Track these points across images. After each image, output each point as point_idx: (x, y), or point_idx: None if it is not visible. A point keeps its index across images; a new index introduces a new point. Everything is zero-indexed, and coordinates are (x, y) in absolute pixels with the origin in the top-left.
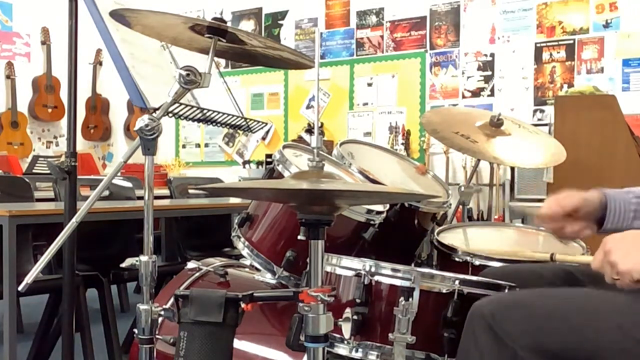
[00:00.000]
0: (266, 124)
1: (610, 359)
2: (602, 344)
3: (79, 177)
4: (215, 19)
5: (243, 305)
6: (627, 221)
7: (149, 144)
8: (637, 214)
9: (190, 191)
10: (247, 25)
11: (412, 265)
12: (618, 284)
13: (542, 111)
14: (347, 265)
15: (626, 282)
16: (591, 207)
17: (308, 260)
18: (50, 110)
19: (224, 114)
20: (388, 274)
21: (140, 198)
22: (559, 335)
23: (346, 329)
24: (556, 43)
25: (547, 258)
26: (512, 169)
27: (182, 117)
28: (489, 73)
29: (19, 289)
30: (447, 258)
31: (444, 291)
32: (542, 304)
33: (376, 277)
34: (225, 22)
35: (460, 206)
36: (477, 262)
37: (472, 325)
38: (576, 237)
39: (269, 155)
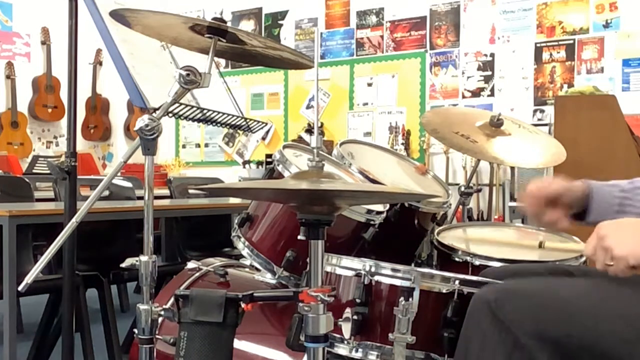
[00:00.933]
0: (266, 124)
1: (611, 348)
2: (604, 333)
3: (79, 177)
4: (215, 19)
5: (243, 305)
6: (610, 214)
7: (149, 144)
8: (621, 208)
9: (190, 191)
10: (247, 25)
11: (412, 265)
12: (611, 271)
13: (542, 111)
14: (347, 265)
15: (620, 268)
16: (573, 196)
17: (308, 260)
18: (50, 110)
19: (224, 114)
20: (388, 274)
21: (140, 198)
22: (562, 323)
23: (346, 329)
24: (556, 43)
25: (535, 245)
26: (512, 169)
27: (182, 117)
28: (489, 73)
29: (19, 289)
30: (447, 258)
31: (444, 291)
32: (546, 292)
33: (376, 277)
34: (225, 22)
35: (460, 206)
36: (477, 262)
37: (475, 311)
38: (554, 225)
39: (269, 155)
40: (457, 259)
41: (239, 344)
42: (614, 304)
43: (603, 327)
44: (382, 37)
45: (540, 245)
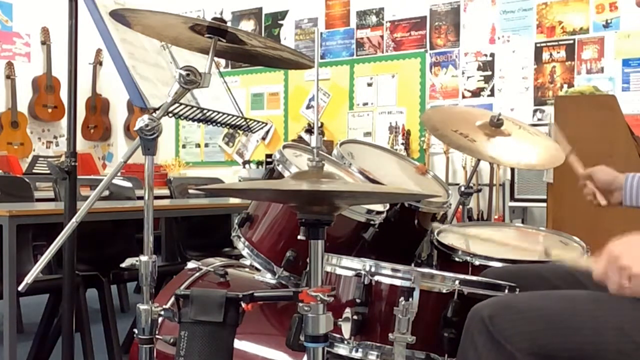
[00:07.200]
0: (266, 124)
1: None
2: (601, 346)
3: (79, 177)
4: (215, 19)
5: (243, 305)
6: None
7: (149, 144)
8: None
9: (190, 191)
10: (247, 25)
11: (412, 265)
12: (627, 292)
13: (542, 111)
14: (347, 265)
15: (639, 288)
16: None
17: (308, 260)
18: (50, 110)
19: (224, 114)
20: (388, 274)
21: (140, 198)
22: (557, 337)
23: (346, 329)
24: (556, 43)
25: (535, 245)
26: (512, 169)
27: (182, 117)
28: (489, 73)
29: (19, 289)
30: (447, 258)
31: (444, 291)
32: (540, 307)
33: (376, 277)
34: (225, 22)
35: (460, 206)
36: (477, 262)
37: (471, 328)
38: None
39: (269, 155)
40: (457, 259)
41: (239, 344)
42: (609, 316)
43: (600, 340)
44: (382, 37)
45: (546, 253)
